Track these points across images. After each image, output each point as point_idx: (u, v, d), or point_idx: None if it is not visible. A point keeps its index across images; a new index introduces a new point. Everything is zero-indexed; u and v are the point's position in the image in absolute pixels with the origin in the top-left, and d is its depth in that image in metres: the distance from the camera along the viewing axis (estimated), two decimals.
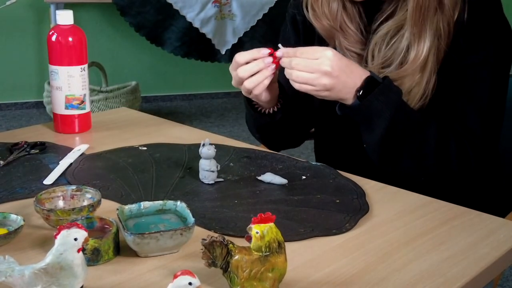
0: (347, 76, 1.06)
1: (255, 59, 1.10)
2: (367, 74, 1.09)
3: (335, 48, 1.19)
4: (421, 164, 1.14)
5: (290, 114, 1.26)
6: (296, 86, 1.07)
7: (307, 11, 1.21)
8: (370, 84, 1.08)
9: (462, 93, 1.14)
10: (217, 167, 1.06)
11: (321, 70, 1.04)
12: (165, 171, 1.12)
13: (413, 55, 1.12)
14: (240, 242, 0.75)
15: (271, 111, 1.24)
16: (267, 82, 1.11)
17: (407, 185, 1.08)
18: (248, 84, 1.11)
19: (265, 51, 1.09)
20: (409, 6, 1.10)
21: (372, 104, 1.07)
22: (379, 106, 1.08)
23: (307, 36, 1.28)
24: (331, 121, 1.26)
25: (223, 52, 3.73)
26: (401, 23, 1.13)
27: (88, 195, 0.93)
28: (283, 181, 1.07)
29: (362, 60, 1.19)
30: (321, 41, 1.24)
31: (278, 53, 1.09)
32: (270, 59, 1.10)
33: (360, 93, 1.07)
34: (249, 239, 0.73)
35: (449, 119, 1.15)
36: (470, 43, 1.13)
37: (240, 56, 1.11)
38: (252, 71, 1.10)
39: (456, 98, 1.15)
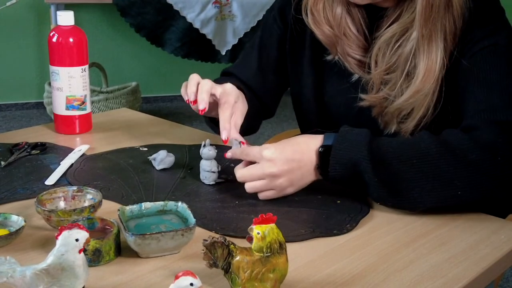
0: (299, 161, 0.98)
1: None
2: (318, 143, 0.99)
3: (337, 54, 1.15)
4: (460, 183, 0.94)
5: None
6: (261, 197, 1.00)
7: (306, 15, 1.16)
8: (325, 149, 0.98)
9: (475, 81, 1.04)
10: (218, 168, 1.06)
11: (266, 173, 0.97)
12: (166, 172, 1.12)
13: (423, 65, 1.04)
14: (241, 243, 0.75)
15: None
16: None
17: None
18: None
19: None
20: (418, 5, 1.02)
21: (341, 156, 0.97)
22: (347, 156, 0.96)
23: (298, 32, 1.22)
24: (330, 122, 1.26)
25: (224, 53, 3.73)
26: (406, 26, 1.06)
27: (89, 196, 0.93)
28: None
29: (363, 66, 1.14)
30: (314, 38, 1.18)
31: (222, 135, 1.06)
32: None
33: (319, 167, 0.98)
34: (250, 240, 0.73)
35: (470, 113, 1.03)
36: (476, 35, 1.05)
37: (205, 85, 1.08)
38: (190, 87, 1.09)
39: (470, 90, 1.05)
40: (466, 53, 1.06)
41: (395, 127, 1.12)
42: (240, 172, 1.00)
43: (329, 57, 1.18)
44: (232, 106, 1.10)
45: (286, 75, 1.31)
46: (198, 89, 1.08)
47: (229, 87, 1.12)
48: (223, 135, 1.06)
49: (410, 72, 1.07)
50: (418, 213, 0.97)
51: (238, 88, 1.18)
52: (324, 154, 0.98)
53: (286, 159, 0.97)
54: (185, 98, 1.10)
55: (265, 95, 1.31)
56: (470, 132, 0.98)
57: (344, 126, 1.01)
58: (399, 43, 1.08)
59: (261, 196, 1.00)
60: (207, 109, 1.07)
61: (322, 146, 0.99)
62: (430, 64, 1.04)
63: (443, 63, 1.05)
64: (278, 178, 0.98)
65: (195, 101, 1.07)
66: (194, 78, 1.11)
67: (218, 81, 1.25)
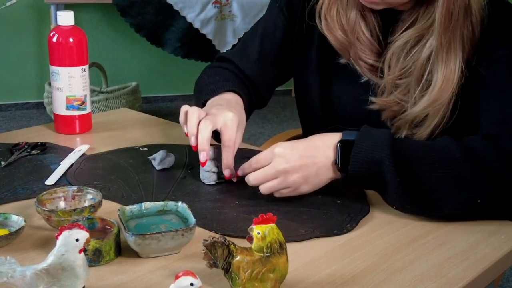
0: (313, 157, 0.96)
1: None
2: (336, 139, 0.97)
3: (349, 59, 1.14)
4: (474, 190, 0.93)
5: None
6: (276, 195, 0.99)
7: (320, 21, 1.14)
8: (345, 145, 0.96)
9: (492, 91, 1.03)
10: (218, 168, 1.06)
11: (279, 170, 0.96)
12: (166, 172, 1.12)
13: (442, 74, 1.02)
14: (241, 242, 0.75)
15: None
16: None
17: None
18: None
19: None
20: (437, 13, 1.00)
21: (362, 155, 0.94)
22: (369, 154, 0.94)
23: (306, 30, 1.20)
24: (335, 124, 1.25)
25: None
26: (422, 32, 1.04)
27: (89, 196, 0.94)
28: None
29: (375, 70, 1.13)
30: (323, 39, 1.17)
31: (225, 173, 1.04)
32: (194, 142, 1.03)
33: (338, 163, 0.96)
34: (250, 239, 0.73)
35: (482, 124, 1.03)
36: (493, 44, 1.04)
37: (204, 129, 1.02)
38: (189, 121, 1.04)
39: (486, 100, 1.03)
40: (482, 62, 1.04)
41: (406, 132, 1.10)
42: (253, 175, 0.98)
43: (342, 61, 1.16)
44: (235, 142, 1.06)
45: (286, 68, 1.29)
46: (199, 133, 1.02)
47: (230, 118, 1.05)
48: (227, 173, 1.05)
49: (426, 79, 1.05)
50: None
51: (238, 78, 1.14)
52: (343, 150, 0.96)
53: (299, 155, 0.96)
54: (184, 131, 1.05)
55: (262, 86, 1.29)
56: (491, 140, 0.96)
57: (365, 126, 1.00)
58: (415, 49, 1.06)
59: (277, 194, 0.99)
60: (208, 160, 1.04)
61: (341, 141, 0.96)
62: (448, 73, 1.02)
63: (461, 72, 1.03)
64: (291, 174, 0.96)
65: (196, 147, 1.02)
66: (195, 114, 1.04)
67: (214, 70, 1.26)
